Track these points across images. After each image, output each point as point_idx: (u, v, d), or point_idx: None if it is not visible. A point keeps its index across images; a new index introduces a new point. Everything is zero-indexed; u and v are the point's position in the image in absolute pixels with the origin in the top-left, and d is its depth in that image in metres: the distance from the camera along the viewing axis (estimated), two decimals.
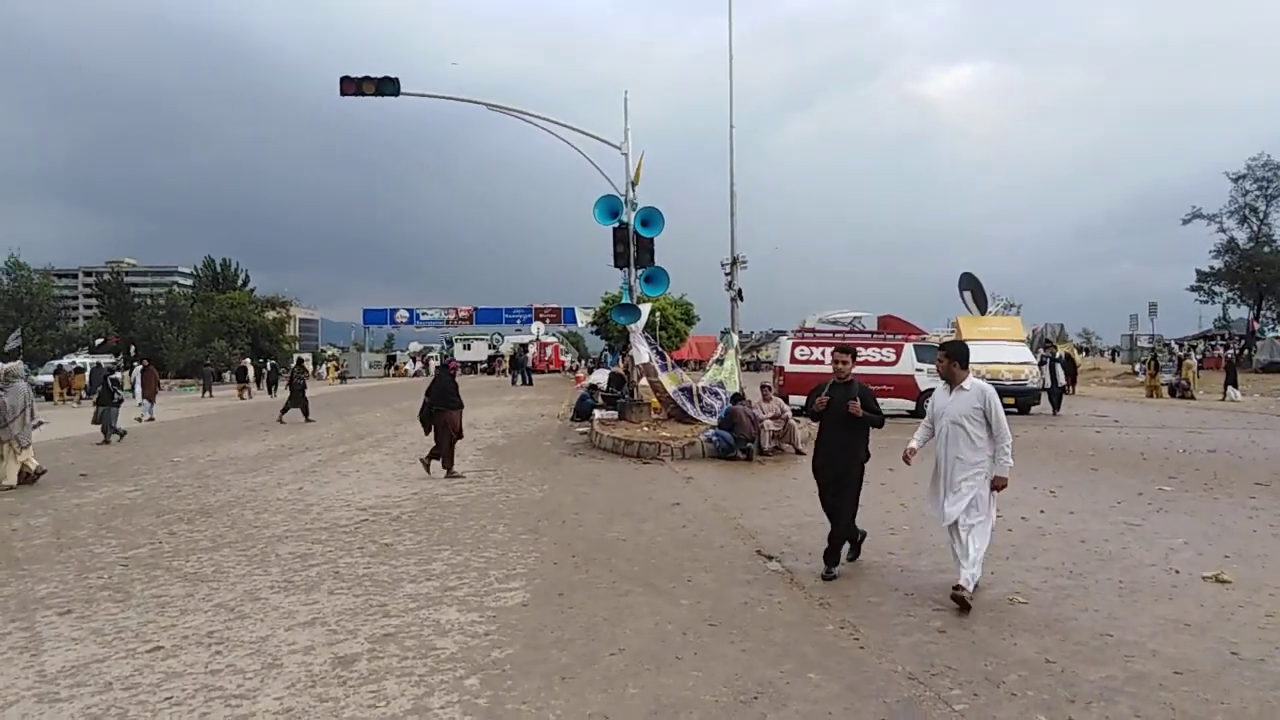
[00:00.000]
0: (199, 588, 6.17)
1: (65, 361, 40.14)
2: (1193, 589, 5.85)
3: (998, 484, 5.60)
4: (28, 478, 11.16)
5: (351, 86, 16.82)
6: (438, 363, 65.87)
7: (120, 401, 17.02)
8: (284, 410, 21.15)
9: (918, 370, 20.08)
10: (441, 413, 11.49)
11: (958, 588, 5.40)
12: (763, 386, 15.17)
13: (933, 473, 5.92)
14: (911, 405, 19.81)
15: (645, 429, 15.81)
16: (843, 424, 6.29)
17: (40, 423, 11.80)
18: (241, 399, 32.26)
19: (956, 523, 5.60)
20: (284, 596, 5.92)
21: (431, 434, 11.70)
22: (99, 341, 57.85)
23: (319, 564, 6.83)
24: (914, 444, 6.05)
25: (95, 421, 16.70)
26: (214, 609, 5.64)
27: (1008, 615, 5.31)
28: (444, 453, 11.56)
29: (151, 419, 21.60)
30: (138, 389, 23.00)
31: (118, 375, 20.63)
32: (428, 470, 11.58)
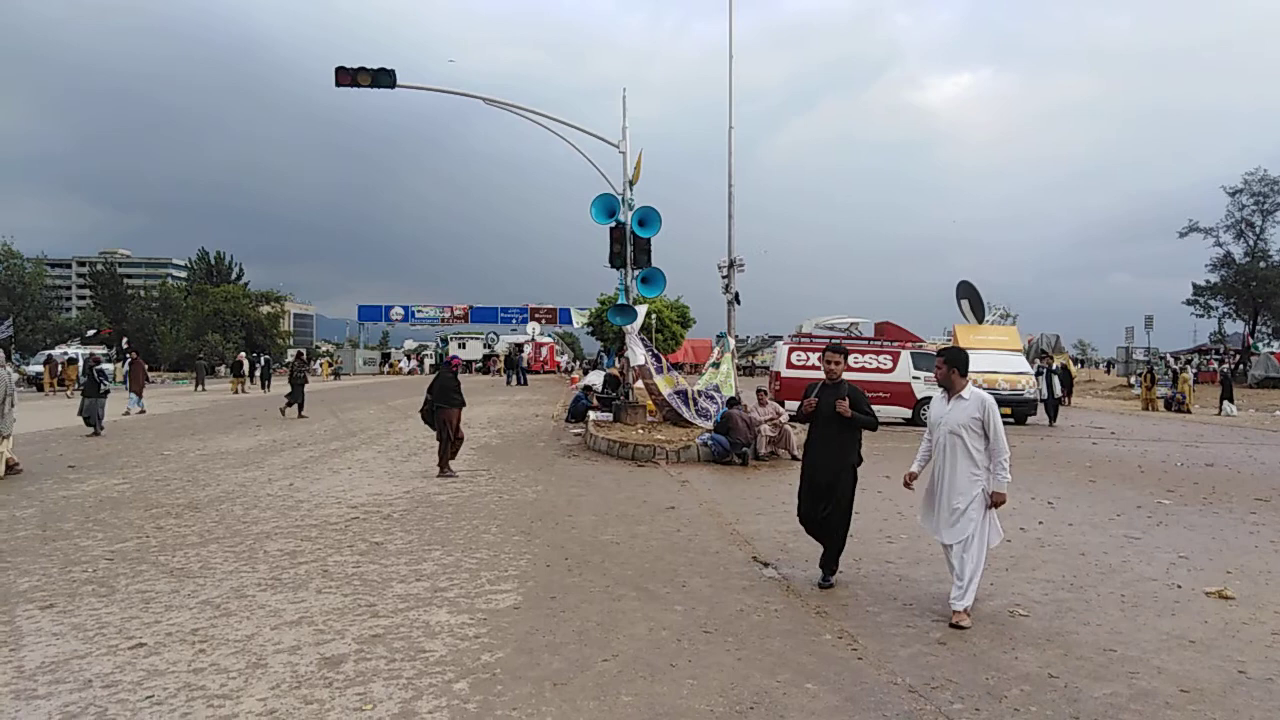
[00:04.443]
0: (185, 584, 6.06)
1: (56, 352, 39.87)
2: (1196, 604, 5.78)
3: (996, 500, 5.41)
4: (10, 469, 11.01)
5: (347, 78, 16.68)
6: (432, 361, 66.05)
7: (107, 393, 16.84)
8: (287, 404, 21.04)
9: (914, 378, 20.04)
10: (442, 410, 11.38)
11: (955, 614, 5.29)
12: (759, 391, 15.10)
13: (928, 486, 5.74)
14: (908, 413, 19.78)
15: (640, 431, 15.73)
16: (833, 426, 6.12)
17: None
18: (236, 393, 32.07)
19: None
20: (271, 594, 5.80)
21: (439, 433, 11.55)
22: (91, 332, 57.54)
23: (308, 562, 6.72)
24: (915, 468, 5.86)
25: (81, 414, 16.51)
26: (199, 606, 5.53)
27: (1009, 628, 5.23)
28: (440, 450, 11.45)
29: (142, 411, 21.44)
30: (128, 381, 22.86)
31: (104, 366, 20.40)
32: (450, 473, 11.39)
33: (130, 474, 11.30)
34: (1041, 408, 21.94)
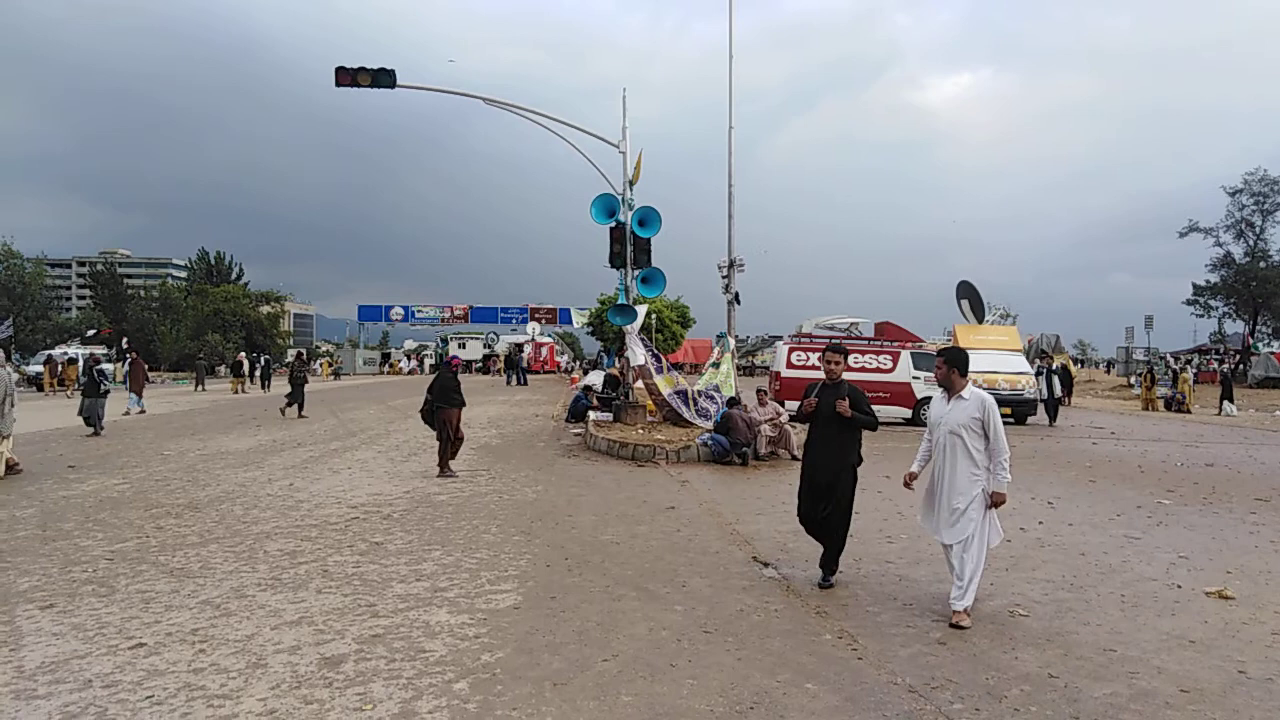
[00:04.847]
0: (185, 584, 6.06)
1: (56, 352, 39.87)
2: (1196, 604, 5.78)
3: (996, 500, 5.41)
4: (10, 469, 11.01)
5: (347, 78, 16.67)
6: (432, 361, 66.05)
7: (107, 393, 16.83)
8: (287, 404, 21.04)
9: (914, 378, 20.04)
10: (442, 410, 11.38)
11: (955, 614, 5.29)
12: (759, 391, 15.10)
13: (928, 486, 5.74)
14: (908, 413, 19.78)
15: (640, 431, 15.73)
16: (833, 426, 6.12)
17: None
18: (236, 393, 32.07)
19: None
20: (271, 594, 5.80)
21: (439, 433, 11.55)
22: (91, 332, 57.53)
23: (308, 562, 6.72)
24: (915, 467, 5.86)
25: (81, 414, 16.50)
26: (199, 606, 5.53)
27: (1009, 628, 5.23)
28: (440, 450, 11.46)
29: (142, 411, 21.44)
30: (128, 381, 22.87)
31: (104, 366, 20.40)
32: (450, 473, 11.39)
33: (130, 474, 11.30)
34: (1041, 408, 21.93)
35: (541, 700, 4.08)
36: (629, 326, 17.31)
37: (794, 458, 13.24)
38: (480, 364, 64.58)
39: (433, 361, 66.46)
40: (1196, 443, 17.41)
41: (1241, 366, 43.95)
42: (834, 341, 7.99)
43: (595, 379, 23.65)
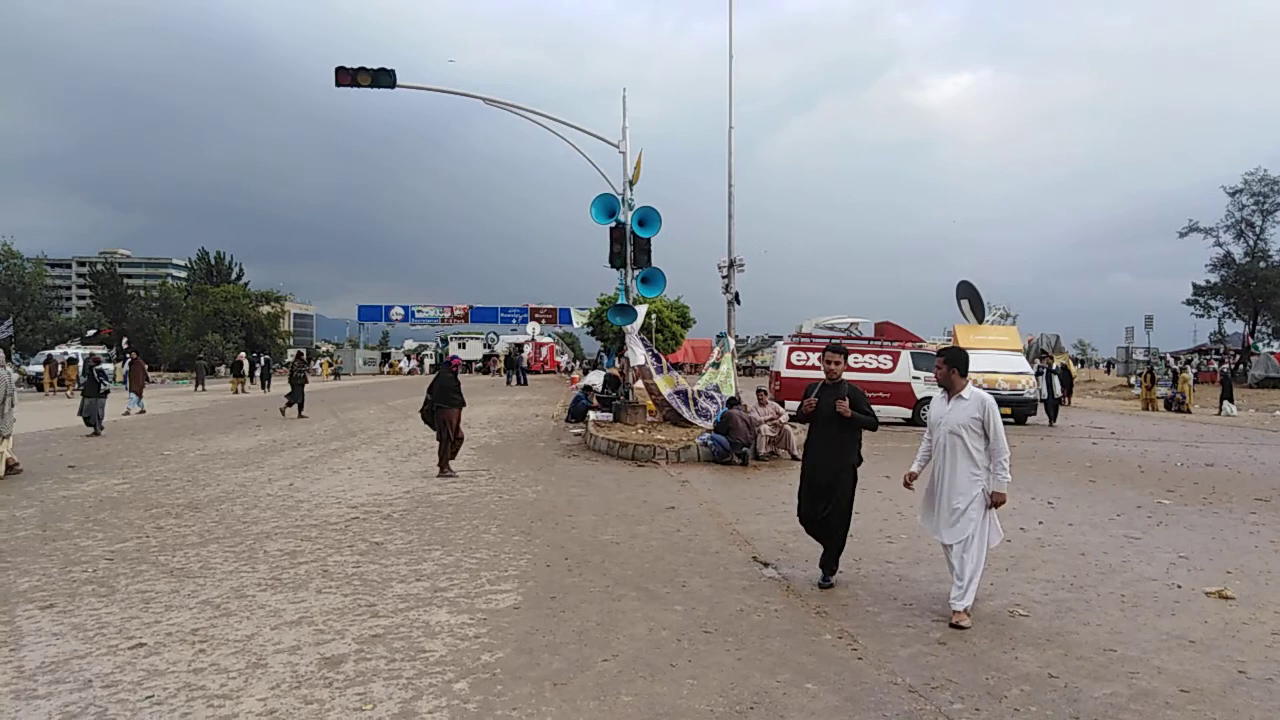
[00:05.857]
0: (185, 584, 6.06)
1: (56, 352, 39.86)
2: (1196, 604, 5.78)
3: (996, 500, 5.41)
4: (10, 469, 11.01)
5: (347, 78, 16.67)
6: (432, 361, 66.05)
7: (107, 393, 16.83)
8: (287, 404, 21.04)
9: (914, 378, 20.04)
10: (442, 410, 11.38)
11: (955, 614, 5.29)
12: (759, 391, 15.10)
13: (928, 486, 5.74)
14: (908, 413, 19.78)
15: (640, 431, 15.73)
16: (833, 426, 6.12)
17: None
18: (236, 393, 32.07)
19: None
20: (271, 594, 5.80)
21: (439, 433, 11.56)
22: (91, 332, 57.53)
23: (308, 562, 6.72)
24: (915, 467, 5.85)
25: (81, 414, 16.50)
26: (199, 606, 5.53)
27: (1009, 628, 5.23)
28: (440, 450, 11.46)
29: (142, 411, 21.44)
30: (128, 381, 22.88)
31: (104, 366, 20.40)
32: (450, 473, 11.39)
33: (130, 474, 11.30)
34: (1041, 408, 21.94)
35: (541, 700, 4.08)
36: (629, 326, 17.31)
37: (794, 458, 13.24)
38: (480, 364, 64.58)
39: (433, 361, 66.47)
40: (1196, 443, 17.42)
41: (1241, 366, 43.95)
42: (834, 341, 7.99)
43: (595, 379, 23.64)
